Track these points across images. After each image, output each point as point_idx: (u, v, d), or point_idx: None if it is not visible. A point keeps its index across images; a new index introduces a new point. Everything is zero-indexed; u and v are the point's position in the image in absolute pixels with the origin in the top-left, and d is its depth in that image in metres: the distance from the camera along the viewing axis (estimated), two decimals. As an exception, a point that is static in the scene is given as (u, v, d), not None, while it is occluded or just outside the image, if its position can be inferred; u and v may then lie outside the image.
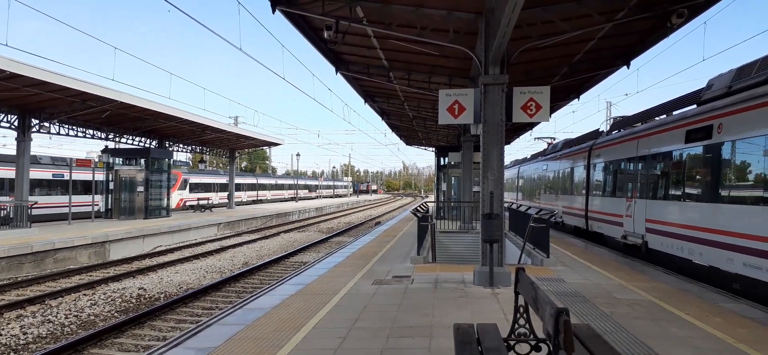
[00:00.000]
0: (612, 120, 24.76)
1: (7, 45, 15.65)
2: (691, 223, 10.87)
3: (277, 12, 10.06)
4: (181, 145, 34.65)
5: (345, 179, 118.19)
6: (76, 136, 25.12)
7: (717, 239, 9.83)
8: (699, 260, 10.56)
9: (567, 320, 3.01)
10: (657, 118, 14.52)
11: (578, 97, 17.99)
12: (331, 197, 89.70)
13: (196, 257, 19.35)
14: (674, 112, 13.41)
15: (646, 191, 13.43)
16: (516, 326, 4.47)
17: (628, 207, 14.55)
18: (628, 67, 13.66)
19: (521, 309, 4.49)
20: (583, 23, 10.38)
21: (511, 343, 4.43)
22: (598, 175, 17.89)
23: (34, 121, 21.89)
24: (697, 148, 10.99)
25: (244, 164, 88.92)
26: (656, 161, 13.00)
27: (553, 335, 3.20)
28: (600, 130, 21.53)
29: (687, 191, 11.32)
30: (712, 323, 6.82)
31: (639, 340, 6.09)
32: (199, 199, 42.50)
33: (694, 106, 12.04)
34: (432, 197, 70.33)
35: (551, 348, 4.07)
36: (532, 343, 4.32)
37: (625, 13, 10.08)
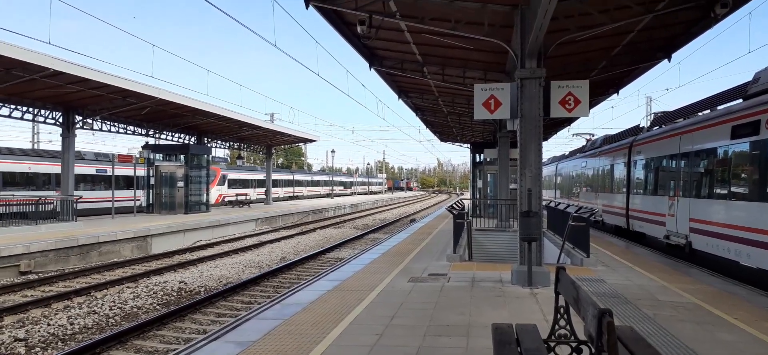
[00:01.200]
0: (652, 116, 24.17)
1: (50, 43, 16.15)
2: (738, 223, 10.51)
3: (311, 7, 10.10)
4: (219, 142, 35.28)
5: (379, 175, 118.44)
6: (118, 132, 25.85)
7: (766, 240, 9.47)
8: (746, 261, 10.20)
9: (611, 322, 2.94)
10: (700, 114, 14.07)
11: (617, 92, 17.60)
12: (365, 194, 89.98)
13: (235, 251, 19.67)
14: (719, 107, 12.98)
15: (689, 189, 13.05)
16: (556, 326, 4.38)
17: (670, 206, 14.17)
18: (669, 61, 13.28)
19: (562, 310, 4.40)
20: (622, 15, 10.12)
21: (552, 344, 4.35)
22: (638, 172, 17.46)
23: (78, 118, 22.58)
24: (743, 145, 10.61)
25: (280, 161, 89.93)
26: (700, 158, 12.61)
27: (596, 337, 3.12)
28: (640, 126, 21.02)
29: (733, 189, 10.95)
30: (761, 328, 6.57)
31: (683, 344, 5.91)
32: (237, 194, 43.18)
33: (740, 100, 11.62)
34: (467, 194, 69.93)
35: (593, 350, 3.98)
36: (573, 344, 4.23)
37: (666, 4, 9.77)
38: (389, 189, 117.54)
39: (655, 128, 17.55)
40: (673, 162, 14.37)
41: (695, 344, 5.88)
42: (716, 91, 15.37)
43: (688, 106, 15.21)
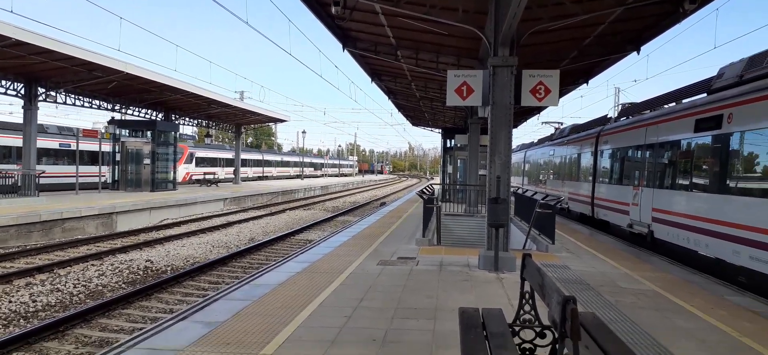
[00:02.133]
0: (620, 106, 24.64)
1: (12, 12, 15.59)
2: (697, 213, 10.85)
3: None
4: (187, 119, 34.70)
5: (351, 158, 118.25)
6: (83, 106, 25.19)
7: (723, 231, 9.81)
8: (705, 251, 10.55)
9: (574, 309, 3.03)
10: (666, 106, 14.43)
11: (587, 82, 17.86)
12: (336, 176, 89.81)
13: (203, 231, 19.47)
14: (684, 101, 13.32)
15: (653, 180, 13.39)
16: (521, 311, 4.48)
17: (634, 195, 14.52)
18: (639, 53, 13.53)
19: (527, 295, 4.51)
20: (594, 6, 10.28)
21: (516, 328, 4.45)
22: (605, 162, 17.82)
23: (41, 90, 21.94)
24: (706, 138, 10.93)
25: (249, 140, 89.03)
26: (664, 150, 12.94)
27: (560, 323, 3.22)
28: (608, 116, 21.41)
29: (695, 180, 11.28)
30: (717, 316, 6.83)
31: (643, 330, 6.11)
32: (205, 173, 42.64)
33: (705, 94, 11.95)
34: (437, 179, 70.34)
35: (556, 336, 4.10)
36: (537, 329, 4.34)
37: (638, -3, 9.96)
38: (362, 171, 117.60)
39: (622, 119, 17.91)
40: (639, 152, 14.70)
41: (654, 331, 6.09)
42: (683, 84, 15.72)
43: (655, 99, 15.56)
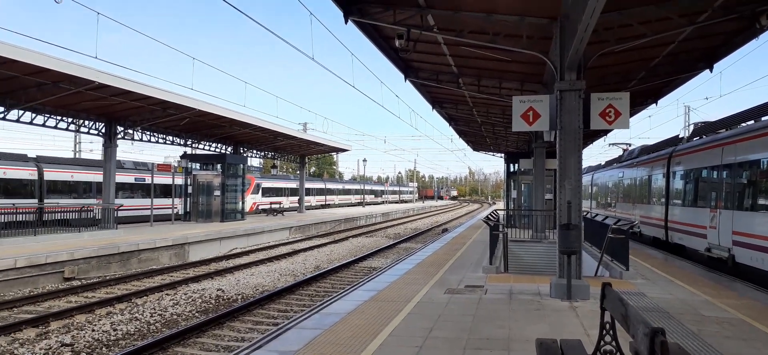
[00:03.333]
0: (691, 126, 23.66)
1: (96, 58, 16.62)
2: (784, 236, 10.23)
3: (349, 22, 10.24)
4: (254, 151, 35.83)
5: (410, 184, 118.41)
6: (157, 142, 26.50)
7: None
8: (793, 275, 9.92)
9: (664, 341, 2.92)
10: (744, 124, 13.75)
11: (656, 102, 17.33)
12: (396, 203, 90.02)
13: (270, 259, 19.92)
14: (763, 118, 12.67)
15: (732, 201, 12.74)
16: (602, 342, 4.35)
17: (712, 218, 13.85)
18: (711, 71, 13.04)
19: (607, 325, 4.37)
20: (662, 26, 10.01)
21: (597, 360, 4.32)
22: (678, 183, 17.12)
23: (119, 128, 23.21)
24: (790, 157, 10.34)
25: (312, 169, 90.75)
26: (744, 170, 12.32)
27: (648, 356, 3.10)
28: (680, 136, 20.61)
29: (779, 202, 10.67)
30: (812, 345, 6.39)
31: (731, 361, 5.80)
32: (271, 203, 43.69)
33: (787, 111, 11.34)
34: (499, 204, 69.26)
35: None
36: (619, 361, 4.20)
37: (709, 15, 9.63)
38: (423, 197, 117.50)
39: (695, 139, 17.20)
40: (715, 173, 14.05)
41: (744, 363, 5.76)
42: (760, 101, 14.98)
43: (731, 117, 14.88)
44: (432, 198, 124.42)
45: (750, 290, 10.14)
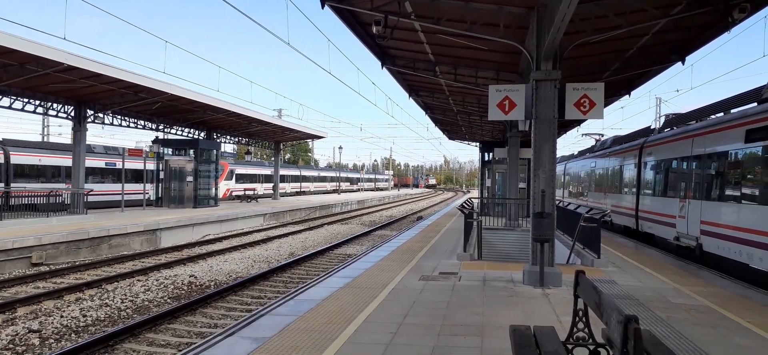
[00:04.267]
0: (663, 117, 24.06)
1: (65, 39, 16.24)
2: (750, 226, 10.48)
3: (326, 7, 10.13)
4: (228, 137, 35.44)
5: (386, 172, 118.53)
6: (129, 126, 26.04)
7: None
8: (758, 264, 10.17)
9: (637, 328, 2.96)
10: (713, 117, 14.02)
11: (629, 94, 17.55)
12: (372, 190, 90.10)
13: (244, 246, 19.76)
14: (733, 111, 12.93)
15: (701, 192, 13.01)
16: (575, 329, 4.41)
17: (681, 208, 14.13)
18: (683, 63, 13.24)
19: (580, 312, 4.43)
20: (637, 18, 10.12)
21: (569, 347, 4.37)
22: (649, 173, 17.42)
23: (89, 112, 22.74)
24: (757, 148, 10.58)
25: (287, 156, 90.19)
26: (713, 161, 12.57)
27: (621, 344, 3.14)
28: (651, 127, 20.95)
29: (746, 191, 10.92)
30: (776, 332, 6.57)
31: (699, 348, 5.92)
32: (245, 189, 43.31)
33: (755, 104, 11.58)
34: (474, 193, 69.79)
35: (612, 354, 4.01)
36: (591, 347, 4.25)
37: (683, 8, 9.76)
38: (405, 185, 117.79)
39: (666, 130, 17.49)
40: (685, 164, 14.32)
41: (711, 348, 5.89)
42: (730, 94, 15.31)
43: (701, 109, 15.16)
44: (408, 186, 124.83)
45: (716, 278, 10.38)
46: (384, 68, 14.73)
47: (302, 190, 62.30)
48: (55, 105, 21.67)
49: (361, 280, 9.76)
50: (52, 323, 9.59)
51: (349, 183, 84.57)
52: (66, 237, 16.00)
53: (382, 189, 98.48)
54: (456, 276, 10.10)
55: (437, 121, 29.53)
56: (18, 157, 26.22)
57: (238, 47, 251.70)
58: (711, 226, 12.29)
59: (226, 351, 5.79)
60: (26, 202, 20.64)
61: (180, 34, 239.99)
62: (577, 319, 4.41)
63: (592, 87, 9.44)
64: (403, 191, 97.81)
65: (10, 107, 19.75)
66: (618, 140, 23.44)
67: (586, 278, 4.44)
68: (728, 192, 11.67)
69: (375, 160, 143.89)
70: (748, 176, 10.92)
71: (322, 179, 72.43)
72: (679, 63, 13.17)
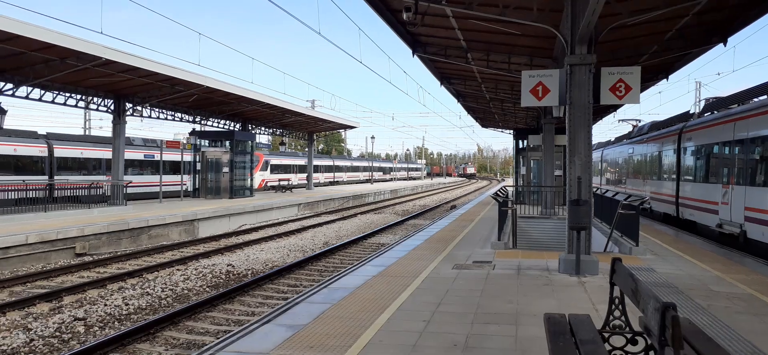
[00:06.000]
0: (702, 101, 23.38)
1: (101, 33, 16.67)
2: (797, 212, 10.12)
3: (357, -6, 10.10)
4: (262, 128, 35.84)
5: (418, 161, 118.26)
6: (166, 119, 26.55)
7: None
8: (805, 251, 9.83)
9: (675, 316, 2.89)
10: (756, 99, 13.55)
11: (667, 78, 17.08)
12: (404, 180, 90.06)
13: (279, 236, 20.01)
14: (777, 93, 12.49)
15: (745, 177, 12.61)
16: (611, 317, 4.33)
17: (724, 194, 13.74)
18: (725, 44, 12.79)
19: (616, 300, 4.35)
20: (676, -2, 9.82)
21: (606, 335, 4.30)
22: (689, 159, 16.97)
23: (128, 105, 23.24)
24: (805, 132, 10.19)
25: (320, 146, 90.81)
26: (756, 145, 12.16)
27: (659, 332, 3.08)
28: (690, 112, 20.38)
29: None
30: (824, 321, 6.35)
31: (741, 336, 5.77)
32: (280, 180, 43.80)
33: (802, 86, 11.15)
34: (509, 181, 69.10)
35: (649, 342, 3.93)
36: (628, 335, 4.18)
37: (725, -13, 9.43)
38: (437, 174, 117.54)
39: (706, 114, 16.99)
40: (727, 149, 13.90)
41: (754, 337, 5.73)
42: (773, 75, 14.75)
43: (744, 92, 14.67)
44: (448, 175, 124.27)
45: (761, 266, 10.07)
46: (415, 56, 14.64)
47: (335, 180, 62.68)
48: (95, 99, 22.23)
49: (395, 268, 9.78)
50: (97, 311, 9.89)
51: (381, 173, 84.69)
52: (107, 228, 16.46)
53: (414, 178, 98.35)
54: (490, 265, 10.04)
55: (470, 109, 29.26)
56: (61, 151, 27.05)
57: (271, 38, 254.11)
58: (756, 212, 11.91)
59: (262, 338, 5.89)
60: (69, 194, 21.29)
61: (213, 26, 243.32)
62: (614, 307, 4.34)
63: (628, 71, 9.22)
64: (437, 180, 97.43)
65: (53, 102, 20.35)
66: (656, 126, 22.89)
67: (622, 265, 4.36)
68: (773, 177, 11.28)
69: (408, 150, 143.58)
70: (795, 160, 10.53)
71: (355, 169, 72.70)
72: (721, 45, 12.73)
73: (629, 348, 4.12)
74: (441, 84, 19.73)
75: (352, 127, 43.25)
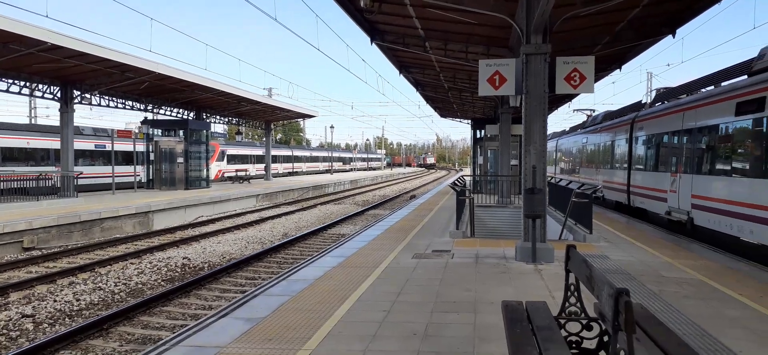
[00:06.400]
0: (654, 91, 24.09)
1: (47, 17, 16.00)
2: (740, 199, 10.54)
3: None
4: (218, 117, 35.19)
5: (378, 151, 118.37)
6: (116, 107, 25.77)
7: (769, 216, 9.50)
8: (748, 237, 10.25)
9: (629, 301, 2.95)
10: (704, 90, 14.02)
11: (620, 68, 17.49)
12: (365, 170, 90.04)
13: (237, 227, 19.72)
14: (723, 84, 12.93)
15: (692, 166, 13.06)
16: (567, 304, 4.41)
17: (672, 182, 14.19)
18: (674, 36, 13.16)
19: (572, 287, 4.42)
20: (629, -11, 10.03)
21: (562, 321, 4.37)
22: (640, 148, 17.46)
23: (76, 93, 22.45)
24: (747, 121, 10.60)
25: (278, 136, 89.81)
26: (703, 134, 12.60)
27: (612, 317, 3.14)
28: (642, 102, 20.96)
29: (736, 165, 10.96)
30: (767, 304, 6.62)
31: (691, 320, 5.96)
32: (237, 170, 43.17)
33: (745, 77, 11.58)
34: (467, 170, 69.90)
35: (604, 328, 4.02)
36: (584, 321, 4.25)
37: (674, -21, 9.68)
38: (397, 165, 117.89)
39: (657, 104, 17.51)
40: (676, 138, 14.36)
41: (702, 321, 5.93)
42: (720, 67, 15.31)
43: (692, 82, 15.16)
44: (400, 165, 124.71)
45: (707, 252, 10.46)
46: (373, 44, 14.57)
47: (294, 170, 62.16)
48: (40, 86, 21.36)
49: (355, 259, 9.75)
50: (46, 307, 9.54)
51: (341, 163, 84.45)
52: (57, 221, 15.89)
53: (374, 168, 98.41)
54: (449, 254, 10.12)
55: (429, 99, 29.40)
56: (6, 140, 25.93)
57: (226, 25, 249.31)
58: (702, 200, 12.35)
59: (219, 332, 5.78)
60: (16, 186, 20.44)
61: (165, 11, 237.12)
62: (569, 293, 4.41)
63: (583, 61, 9.39)
64: (396, 170, 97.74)
65: (-5, 89, 19.48)
66: (609, 115, 23.46)
67: (577, 252, 4.43)
68: (719, 166, 11.71)
69: (367, 140, 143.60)
70: (739, 150, 10.95)
71: (315, 159, 72.27)
72: (670, 36, 13.10)
73: (585, 334, 4.19)
74: (400, 73, 19.72)
75: (310, 117, 42.90)
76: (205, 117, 32.85)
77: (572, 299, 4.40)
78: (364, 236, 12.59)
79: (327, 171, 69.84)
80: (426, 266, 9.07)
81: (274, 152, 51.07)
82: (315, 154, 74.49)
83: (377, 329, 5.77)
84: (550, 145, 35.66)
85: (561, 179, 19.44)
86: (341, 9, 11.99)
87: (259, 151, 50.38)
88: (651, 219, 16.04)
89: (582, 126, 28.63)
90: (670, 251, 10.44)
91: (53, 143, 27.56)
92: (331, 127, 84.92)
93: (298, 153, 66.50)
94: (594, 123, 25.44)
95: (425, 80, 22.08)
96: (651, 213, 16.05)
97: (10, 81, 19.83)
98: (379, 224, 15.04)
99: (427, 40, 14.54)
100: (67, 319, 9.07)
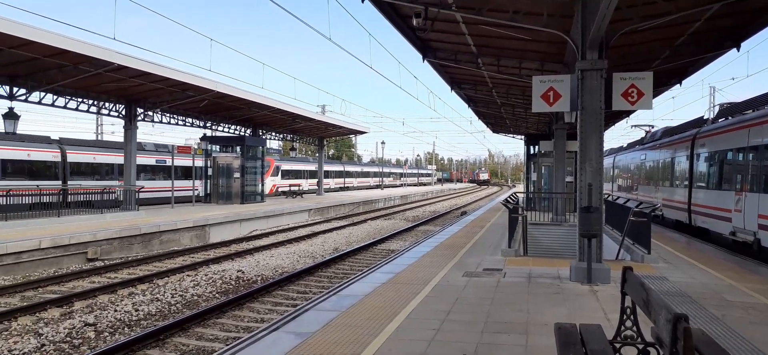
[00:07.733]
0: (716, 107, 23.16)
1: (114, 39, 16.73)
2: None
3: (366, 1, 10.10)
4: (273, 133, 36.01)
5: (429, 167, 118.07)
6: (177, 124, 26.75)
7: None
8: (822, 260, 9.67)
9: (687, 328, 2.84)
10: (772, 105, 13.40)
11: (680, 83, 16.91)
12: (415, 185, 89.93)
13: (290, 241, 20.03)
14: (793, 99, 12.33)
15: (759, 184, 12.45)
16: (622, 327, 4.27)
17: (737, 201, 13.56)
18: (738, 50, 12.65)
19: (628, 310, 4.29)
20: (688, 3, 9.68)
21: (617, 345, 4.24)
22: (702, 166, 16.79)
23: (139, 110, 23.41)
24: (820, 138, 10.05)
25: (331, 152, 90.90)
26: (771, 152, 12.01)
27: (670, 343, 3.02)
28: (704, 118, 20.18)
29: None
30: (841, 332, 6.22)
31: (757, 348, 5.66)
32: (290, 185, 43.91)
33: (818, 91, 10.99)
34: (519, 187, 68.80)
35: (662, 354, 3.86)
36: (640, 346, 4.12)
37: (737, -8, 9.32)
38: (448, 181, 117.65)
39: (721, 120, 16.81)
40: (741, 155, 13.74)
41: (769, 349, 5.63)
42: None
43: (759, 97, 14.51)
44: (460, 181, 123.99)
45: (776, 275, 9.91)
46: (425, 61, 14.61)
47: (346, 185, 62.75)
48: (107, 104, 22.41)
49: (404, 276, 9.74)
50: (107, 316, 9.93)
51: (392, 178, 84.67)
52: (119, 233, 16.55)
53: (425, 184, 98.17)
54: (500, 272, 9.96)
55: (480, 115, 29.18)
56: (74, 156, 27.27)
57: (281, 44, 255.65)
58: (770, 220, 11.74)
59: (270, 346, 5.87)
60: (82, 199, 21.46)
61: (224, 31, 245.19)
62: (625, 317, 4.28)
63: (640, 76, 9.14)
64: (447, 186, 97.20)
65: (65, 107, 20.54)
66: (669, 132, 22.69)
67: (633, 274, 4.29)
68: (788, 184, 11.13)
69: (418, 155, 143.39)
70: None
71: (366, 174, 72.74)
72: (734, 50, 12.60)
73: (641, 359, 4.05)
74: (451, 89, 19.69)
75: (362, 133, 43.32)
76: (260, 133, 33.67)
77: (628, 323, 4.27)
78: (414, 253, 12.55)
79: (377, 186, 70.15)
80: (477, 284, 8.96)
81: (326, 168, 51.76)
82: (366, 169, 74.99)
83: (426, 348, 5.73)
84: (607, 161, 34.71)
85: (618, 197, 18.89)
86: (394, 28, 12.09)
87: (312, 167, 51.17)
88: (713, 239, 15.36)
89: (640, 142, 27.78)
90: (735, 273, 9.96)
91: (117, 159, 28.80)
92: (382, 143, 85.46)
93: (349, 168, 67.12)
94: (653, 139, 24.64)
95: (477, 96, 21.96)
96: (714, 233, 15.37)
97: (80, 99, 20.88)
98: (428, 241, 14.98)
99: (479, 56, 14.48)
100: (126, 328, 9.41)
